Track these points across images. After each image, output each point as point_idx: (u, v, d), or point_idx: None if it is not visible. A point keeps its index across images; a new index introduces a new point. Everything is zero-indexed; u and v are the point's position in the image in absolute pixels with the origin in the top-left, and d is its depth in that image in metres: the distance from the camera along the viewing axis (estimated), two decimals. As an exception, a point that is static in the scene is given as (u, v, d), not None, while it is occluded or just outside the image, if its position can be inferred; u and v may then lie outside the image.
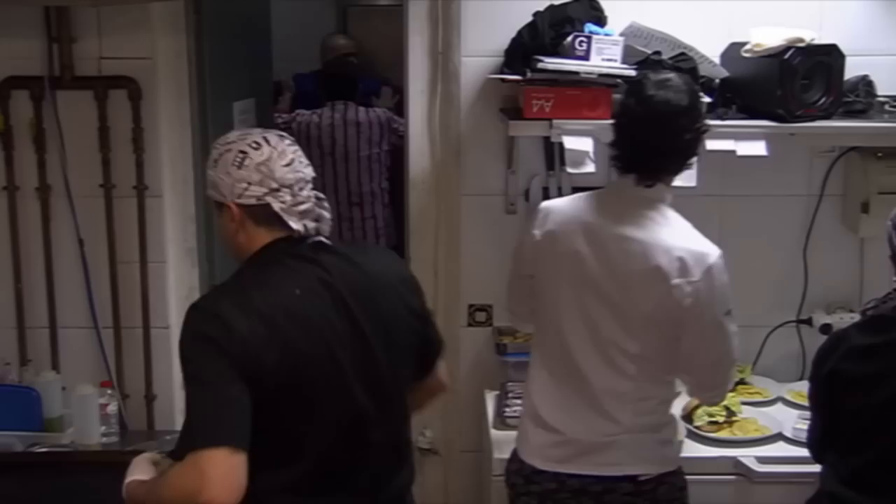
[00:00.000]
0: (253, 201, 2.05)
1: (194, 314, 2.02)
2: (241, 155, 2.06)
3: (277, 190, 2.06)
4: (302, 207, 2.09)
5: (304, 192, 2.10)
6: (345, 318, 2.06)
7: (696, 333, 2.41)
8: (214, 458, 1.86)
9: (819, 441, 2.28)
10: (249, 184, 2.05)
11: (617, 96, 2.53)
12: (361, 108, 4.72)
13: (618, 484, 2.45)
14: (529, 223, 2.58)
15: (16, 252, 3.10)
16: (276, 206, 2.06)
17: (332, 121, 4.66)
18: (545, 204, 2.60)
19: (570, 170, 2.82)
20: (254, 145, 2.07)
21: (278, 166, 2.06)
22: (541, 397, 2.51)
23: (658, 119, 2.37)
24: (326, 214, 2.14)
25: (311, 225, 2.10)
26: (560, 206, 2.57)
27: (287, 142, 2.11)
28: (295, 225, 2.07)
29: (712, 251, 2.40)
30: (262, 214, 2.07)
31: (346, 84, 4.80)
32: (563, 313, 2.47)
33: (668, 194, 2.46)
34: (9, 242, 3.10)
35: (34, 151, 3.06)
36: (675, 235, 2.42)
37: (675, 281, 2.37)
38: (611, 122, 2.49)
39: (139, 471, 2.12)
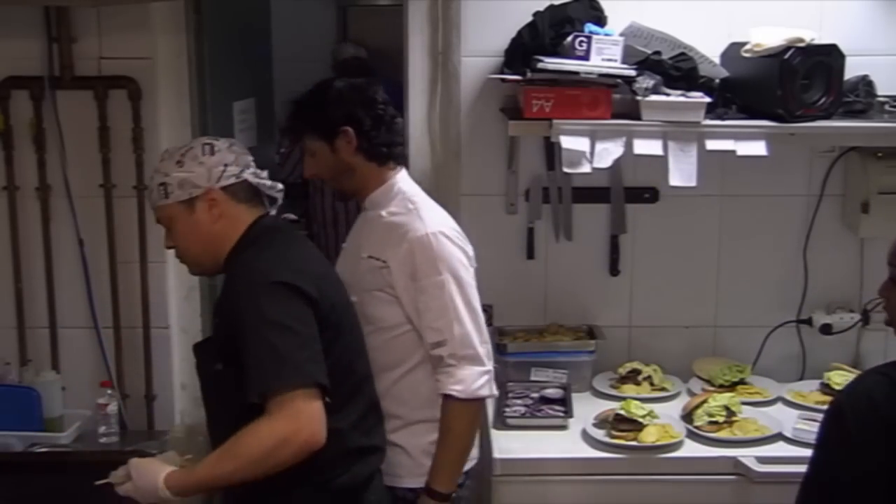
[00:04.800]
0: (233, 180, 2.26)
1: (263, 267, 2.17)
2: (207, 146, 2.28)
3: (249, 166, 2.30)
4: (267, 182, 2.33)
5: (260, 172, 2.34)
6: (334, 269, 2.44)
7: None
8: (309, 396, 2.05)
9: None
10: (227, 165, 2.26)
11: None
12: None
13: None
14: (463, 248, 2.57)
15: (16, 252, 3.10)
16: (254, 179, 2.29)
17: None
18: (451, 225, 2.59)
19: (566, 170, 2.82)
20: (210, 139, 2.32)
21: (243, 147, 2.34)
22: None
23: None
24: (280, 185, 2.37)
25: (279, 195, 2.36)
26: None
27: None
28: (271, 193, 2.33)
29: None
30: (242, 191, 2.28)
31: None
32: None
33: None
34: (9, 242, 3.10)
35: (34, 151, 3.06)
36: None
37: None
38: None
39: (162, 464, 2.20)
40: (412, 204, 2.55)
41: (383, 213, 2.55)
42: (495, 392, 2.56)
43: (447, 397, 2.46)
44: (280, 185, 2.37)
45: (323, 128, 2.51)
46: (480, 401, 2.52)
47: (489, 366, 2.50)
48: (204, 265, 2.36)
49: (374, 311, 2.51)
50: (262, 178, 2.32)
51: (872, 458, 1.77)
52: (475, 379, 2.45)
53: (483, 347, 2.49)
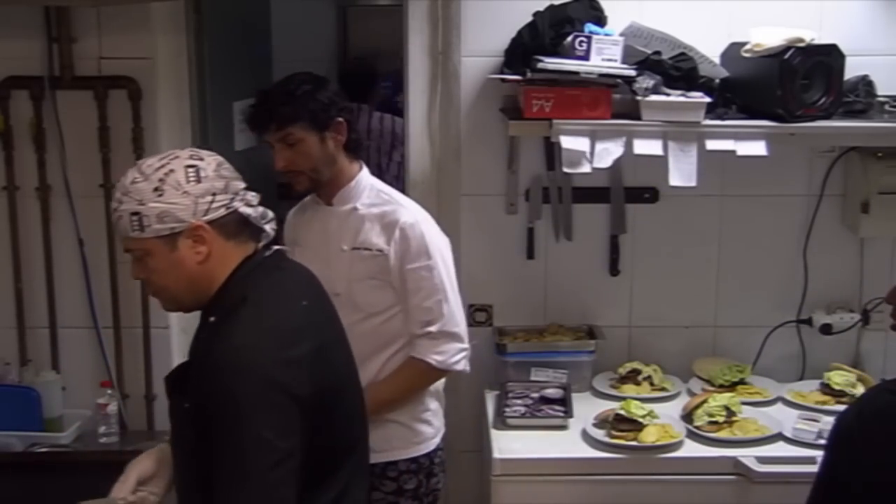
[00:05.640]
0: (222, 212, 1.90)
1: (255, 355, 1.82)
2: (192, 170, 1.88)
3: (238, 193, 1.94)
4: (260, 209, 1.98)
5: (252, 194, 1.98)
6: (332, 316, 2.08)
7: None
8: None
9: None
10: (215, 193, 1.89)
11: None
12: (376, 114, 4.60)
13: None
14: (444, 236, 2.72)
15: (16, 252, 3.11)
16: (247, 210, 1.94)
17: None
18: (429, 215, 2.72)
19: (566, 169, 2.83)
20: (194, 158, 1.91)
21: (232, 168, 1.96)
22: None
23: None
24: (271, 213, 2.03)
25: (272, 228, 2.01)
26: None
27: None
28: (268, 227, 1.99)
29: None
30: (232, 225, 1.93)
31: (361, 85, 4.70)
32: None
33: None
34: (9, 242, 3.10)
35: (34, 151, 3.06)
36: None
37: None
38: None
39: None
40: (386, 195, 2.68)
41: (358, 205, 2.65)
42: (468, 368, 2.70)
43: (422, 361, 2.61)
44: (271, 214, 2.02)
45: (319, 117, 2.57)
46: (448, 373, 2.68)
47: (467, 344, 2.67)
48: (182, 305, 2.02)
49: (367, 298, 2.61)
50: (254, 207, 1.97)
51: (886, 474, 1.78)
52: (454, 353, 2.62)
53: (463, 326, 2.66)
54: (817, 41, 2.79)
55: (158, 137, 3.07)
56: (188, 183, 1.87)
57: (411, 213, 2.64)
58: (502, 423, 2.91)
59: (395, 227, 2.59)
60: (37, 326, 3.16)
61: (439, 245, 2.64)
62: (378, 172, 4.50)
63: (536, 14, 2.96)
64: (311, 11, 5.96)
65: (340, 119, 2.61)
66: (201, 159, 1.91)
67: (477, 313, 3.26)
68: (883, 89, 2.98)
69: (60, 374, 3.12)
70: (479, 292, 3.24)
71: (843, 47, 2.79)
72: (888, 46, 3.08)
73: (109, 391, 3.07)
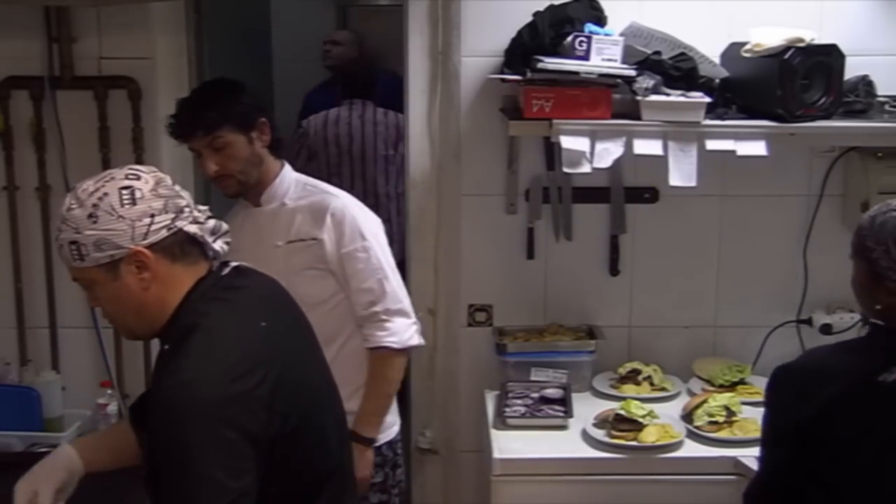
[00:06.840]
0: (164, 233, 1.79)
1: (206, 390, 1.70)
2: (126, 192, 1.78)
3: (182, 210, 1.82)
4: (211, 224, 1.88)
5: (200, 208, 1.88)
6: (301, 331, 2.00)
7: None
8: None
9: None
10: (154, 215, 1.78)
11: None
12: (380, 109, 4.64)
13: None
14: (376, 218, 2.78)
15: (16, 252, 3.11)
16: (192, 228, 1.83)
17: (350, 119, 4.59)
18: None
19: (566, 169, 2.83)
20: (130, 177, 1.80)
21: (171, 184, 1.85)
22: None
23: None
24: (224, 226, 1.93)
25: (224, 243, 1.90)
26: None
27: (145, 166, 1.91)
28: (217, 245, 1.87)
29: None
30: (177, 246, 1.82)
31: (363, 83, 4.74)
32: None
33: None
34: (9, 242, 3.10)
35: (34, 151, 3.07)
36: None
37: None
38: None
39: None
40: (312, 186, 2.74)
41: (286, 201, 2.70)
42: (423, 341, 2.76)
43: (381, 349, 2.65)
44: (225, 227, 1.91)
45: (244, 119, 2.59)
46: (410, 351, 2.73)
47: (415, 318, 2.73)
48: (135, 334, 1.96)
49: (307, 289, 2.57)
50: (201, 224, 1.86)
51: (785, 418, 2.02)
52: (405, 329, 2.68)
53: (407, 301, 2.72)
54: (817, 41, 2.79)
55: (158, 137, 3.06)
56: (123, 206, 1.77)
57: (339, 199, 2.69)
58: (502, 423, 2.91)
59: (325, 214, 2.64)
60: (37, 326, 3.16)
61: (371, 226, 2.69)
62: (385, 162, 4.60)
63: (536, 14, 2.96)
64: (311, 11, 5.96)
65: (264, 119, 2.63)
66: (138, 178, 1.81)
67: (477, 313, 3.26)
68: (883, 89, 2.98)
69: (60, 374, 3.12)
70: (479, 292, 3.24)
71: (843, 47, 2.79)
72: (888, 46, 3.08)
73: (109, 391, 3.06)
